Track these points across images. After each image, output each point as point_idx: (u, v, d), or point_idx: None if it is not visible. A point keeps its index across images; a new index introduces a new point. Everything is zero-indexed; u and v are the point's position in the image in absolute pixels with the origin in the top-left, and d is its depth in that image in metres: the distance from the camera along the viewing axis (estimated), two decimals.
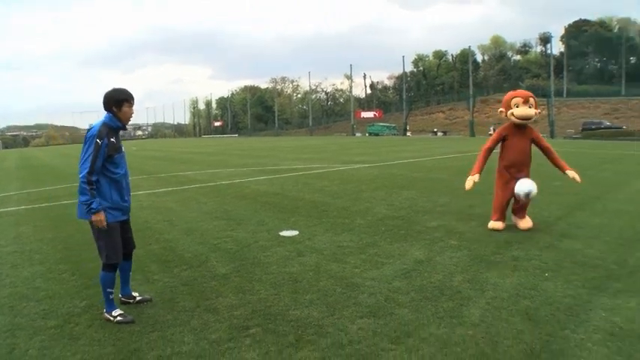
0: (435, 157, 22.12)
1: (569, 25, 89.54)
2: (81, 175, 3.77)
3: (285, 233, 7.03)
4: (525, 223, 6.94)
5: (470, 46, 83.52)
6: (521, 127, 6.91)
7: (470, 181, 6.77)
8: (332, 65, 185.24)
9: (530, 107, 6.79)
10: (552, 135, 52.44)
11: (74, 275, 5.34)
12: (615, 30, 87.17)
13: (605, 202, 9.14)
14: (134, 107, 4.09)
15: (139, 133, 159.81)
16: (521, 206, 6.98)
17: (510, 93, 7.08)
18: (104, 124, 3.92)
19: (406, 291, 4.54)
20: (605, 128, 53.31)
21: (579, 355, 3.28)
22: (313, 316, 4.00)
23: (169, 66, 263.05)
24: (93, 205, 3.77)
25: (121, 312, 4.03)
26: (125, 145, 4.23)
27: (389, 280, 4.88)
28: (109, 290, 4.00)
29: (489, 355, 3.29)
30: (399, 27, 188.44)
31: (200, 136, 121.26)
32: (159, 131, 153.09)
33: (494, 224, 6.93)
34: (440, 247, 6.11)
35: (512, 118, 6.82)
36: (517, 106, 6.78)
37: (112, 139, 3.91)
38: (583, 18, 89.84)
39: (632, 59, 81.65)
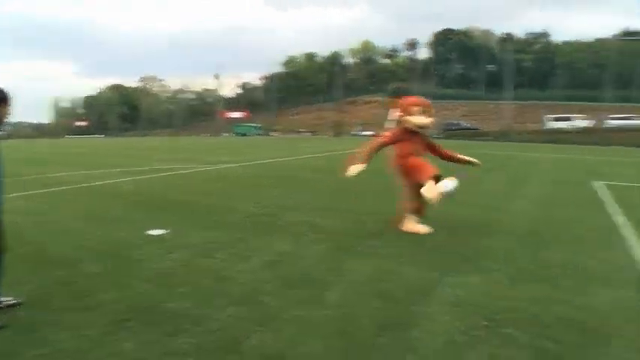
0: (300, 157, 23.07)
1: (438, 33, 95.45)
2: None
3: (154, 232, 7.03)
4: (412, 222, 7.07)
5: (332, 50, 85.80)
6: (415, 133, 6.98)
7: (355, 168, 6.74)
8: (202, 65, 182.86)
9: (428, 117, 6.88)
10: None
11: None
12: (477, 40, 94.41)
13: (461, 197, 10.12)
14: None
15: None
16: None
17: (410, 99, 7.12)
18: None
19: (271, 280, 4.91)
20: (463, 129, 57.77)
21: (424, 324, 3.85)
22: (187, 307, 4.22)
23: (30, 61, 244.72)
24: None
25: None
26: None
27: (255, 271, 5.21)
28: None
29: (346, 331, 3.73)
30: (270, 28, 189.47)
31: (63, 136, 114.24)
32: (18, 131, 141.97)
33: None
34: (304, 241, 6.55)
35: (409, 124, 6.90)
36: (414, 114, 6.84)
37: None
38: (450, 27, 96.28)
39: (492, 67, 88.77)
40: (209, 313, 4.10)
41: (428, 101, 7.11)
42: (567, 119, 54.80)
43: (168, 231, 7.07)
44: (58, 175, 15.97)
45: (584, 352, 3.44)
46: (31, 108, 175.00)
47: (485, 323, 3.83)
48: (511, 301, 4.34)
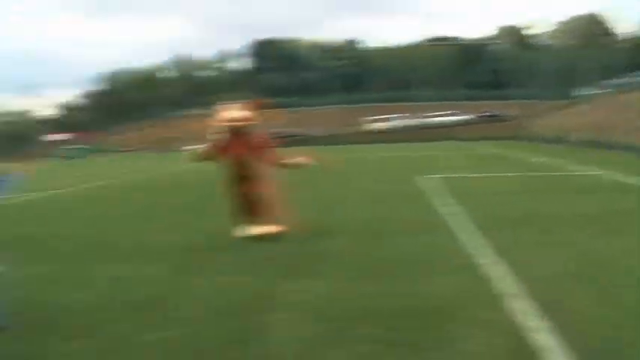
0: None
1: (256, 42, 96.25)
2: None
3: None
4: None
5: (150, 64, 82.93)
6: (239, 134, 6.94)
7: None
8: (11, 84, 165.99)
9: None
10: None
11: None
12: (294, 49, 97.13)
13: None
14: None
15: None
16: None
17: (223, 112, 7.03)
18: None
19: (117, 306, 4.61)
20: (292, 136, 59.31)
21: (277, 332, 3.80)
22: (19, 347, 3.81)
23: None
24: None
25: None
26: None
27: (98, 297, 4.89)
28: None
29: (199, 348, 3.60)
30: (85, 42, 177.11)
31: None
32: None
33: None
34: (139, 262, 6.25)
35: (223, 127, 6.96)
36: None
37: None
38: (269, 37, 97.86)
39: (310, 74, 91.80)
40: (48, 349, 3.72)
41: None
42: (387, 120, 58.68)
43: None
44: None
45: (436, 333, 3.66)
46: None
47: (336, 324, 3.88)
48: (357, 299, 4.44)
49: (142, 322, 4.15)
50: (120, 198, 14.18)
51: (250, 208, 6.83)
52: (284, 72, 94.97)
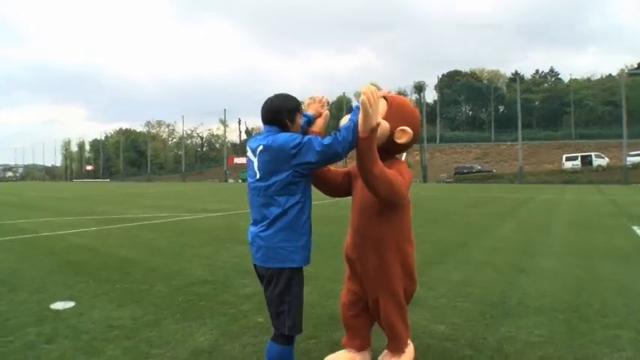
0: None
1: (443, 75, 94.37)
2: None
3: (57, 305, 5.30)
4: None
5: (344, 92, 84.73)
6: None
7: None
8: (208, 110, 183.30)
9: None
10: (425, 179, 53.90)
11: None
12: (485, 81, 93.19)
13: (469, 250, 8.11)
14: None
15: (9, 174, 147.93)
16: None
17: None
18: None
19: None
20: (476, 172, 55.64)
21: None
22: None
23: (43, 105, 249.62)
24: None
25: None
26: None
27: None
28: None
29: None
30: (275, 73, 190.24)
31: (71, 179, 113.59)
32: (30, 173, 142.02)
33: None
34: (240, 327, 4.52)
35: None
36: None
37: None
38: (456, 69, 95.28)
39: (501, 108, 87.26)
40: None
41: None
42: (585, 158, 52.34)
43: (74, 304, 5.31)
44: (17, 221, 14.38)
45: None
46: (45, 151, 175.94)
47: None
48: None
49: None
50: None
51: None
52: (473, 105, 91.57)
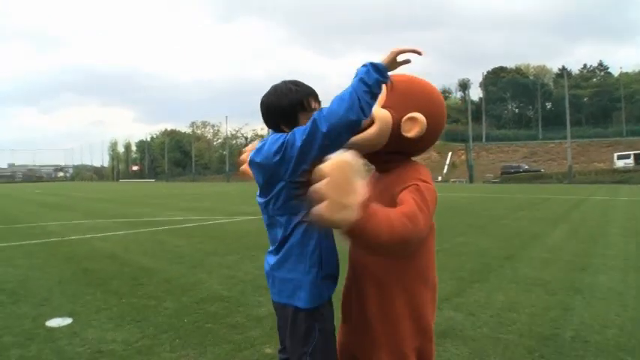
0: None
1: (488, 72, 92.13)
2: None
3: (52, 322, 4.92)
4: None
5: None
6: None
7: None
8: (252, 110, 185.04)
9: None
10: (471, 179, 52.39)
11: None
12: (531, 77, 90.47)
13: (516, 263, 7.27)
14: None
15: (60, 174, 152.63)
16: None
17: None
18: None
19: None
20: (524, 172, 53.79)
21: None
22: None
23: (91, 107, 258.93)
24: None
25: None
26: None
27: None
28: None
29: None
30: (318, 74, 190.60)
31: (118, 180, 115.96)
32: (79, 173, 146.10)
33: None
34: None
35: None
36: None
37: None
38: (500, 65, 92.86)
39: (548, 104, 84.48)
40: None
41: None
42: (639, 156, 49.84)
43: (71, 321, 4.91)
44: (48, 224, 14.31)
45: None
46: (93, 152, 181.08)
47: None
48: None
49: None
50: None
51: None
52: (520, 102, 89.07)
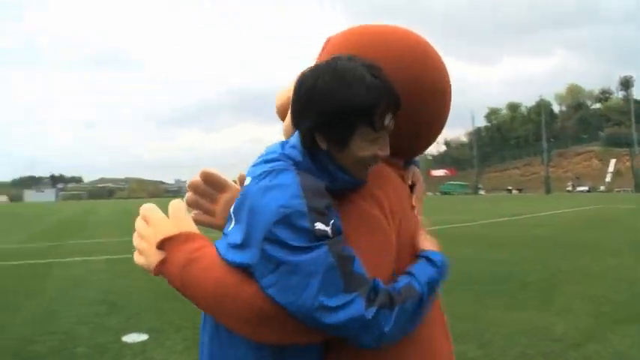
0: (493, 220, 18.46)
1: None
2: None
3: (128, 338, 4.99)
4: None
5: (541, 96, 78.59)
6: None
7: None
8: None
9: None
10: (638, 188, 47.11)
11: None
12: None
13: None
14: None
15: None
16: None
17: None
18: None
19: None
20: None
21: None
22: None
23: (246, 124, 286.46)
24: None
25: None
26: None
27: None
28: None
29: None
30: (471, 82, 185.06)
31: None
32: None
33: None
34: None
35: None
36: None
37: None
38: None
39: None
40: None
41: None
42: None
43: (146, 338, 4.92)
44: (110, 240, 14.57)
45: None
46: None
47: None
48: None
49: None
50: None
51: None
52: None
